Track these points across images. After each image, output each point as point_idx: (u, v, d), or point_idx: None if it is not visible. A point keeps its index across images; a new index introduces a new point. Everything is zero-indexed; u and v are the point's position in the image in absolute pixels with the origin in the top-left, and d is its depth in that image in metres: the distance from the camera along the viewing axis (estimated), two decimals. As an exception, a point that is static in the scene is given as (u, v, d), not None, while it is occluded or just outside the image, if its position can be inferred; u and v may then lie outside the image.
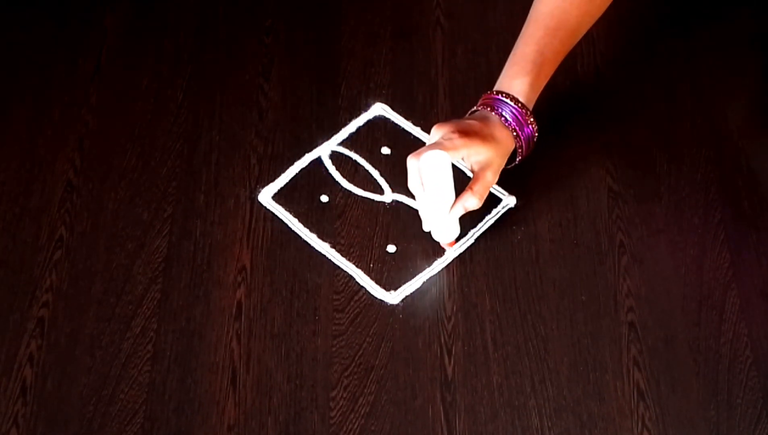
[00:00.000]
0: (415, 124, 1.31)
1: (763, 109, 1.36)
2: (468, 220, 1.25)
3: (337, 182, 1.28)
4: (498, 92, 1.20)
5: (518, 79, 1.20)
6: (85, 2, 1.43)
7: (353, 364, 1.15)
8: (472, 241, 1.23)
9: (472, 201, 1.19)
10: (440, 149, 1.16)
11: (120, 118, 1.33)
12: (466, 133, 1.17)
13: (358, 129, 1.32)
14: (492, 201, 1.26)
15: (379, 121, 1.33)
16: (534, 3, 1.23)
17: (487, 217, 1.25)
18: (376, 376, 1.14)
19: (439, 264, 1.22)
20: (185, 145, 1.31)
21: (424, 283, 1.20)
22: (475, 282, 1.21)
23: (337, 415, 1.12)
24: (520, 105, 1.19)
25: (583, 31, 1.24)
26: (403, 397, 1.13)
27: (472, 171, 1.20)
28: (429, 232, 1.22)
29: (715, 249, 1.23)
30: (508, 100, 1.19)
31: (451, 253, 1.23)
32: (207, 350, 1.15)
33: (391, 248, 1.23)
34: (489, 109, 1.20)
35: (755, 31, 1.42)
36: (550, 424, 1.11)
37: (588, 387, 1.14)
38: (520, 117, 1.19)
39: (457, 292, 1.20)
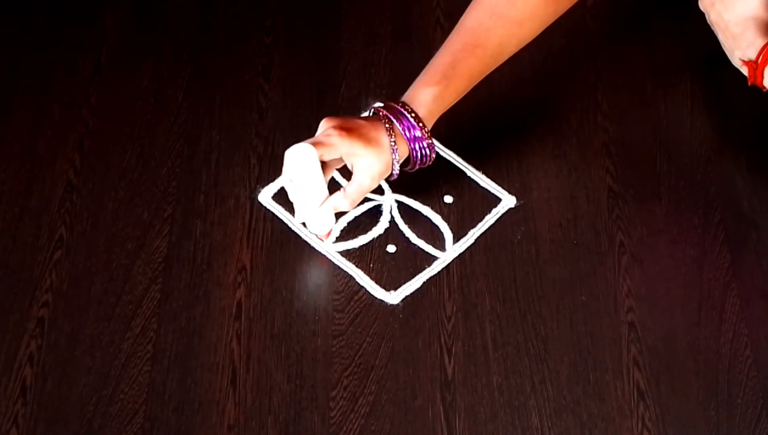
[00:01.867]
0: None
1: (763, 109, 1.36)
2: (468, 220, 1.25)
3: (337, 182, 1.28)
4: (400, 102, 1.18)
5: (425, 89, 1.18)
6: (85, 2, 1.43)
7: (353, 364, 1.15)
8: (472, 241, 1.23)
9: (342, 202, 1.19)
10: (315, 144, 1.15)
11: (120, 118, 1.33)
12: (348, 131, 1.16)
13: (358, 129, 1.32)
14: (492, 201, 1.26)
15: (379, 121, 1.33)
16: (463, 15, 1.21)
17: (487, 217, 1.25)
18: (376, 376, 1.14)
19: (439, 264, 1.22)
20: (185, 145, 1.31)
21: (424, 283, 1.20)
22: (475, 282, 1.21)
23: (337, 415, 1.12)
24: (413, 116, 1.17)
25: (507, 53, 1.21)
26: (403, 397, 1.13)
27: (351, 171, 1.18)
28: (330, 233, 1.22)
29: (715, 249, 1.23)
30: (404, 111, 1.17)
31: (328, 245, 1.22)
32: (207, 350, 1.15)
33: (391, 248, 1.23)
34: (383, 114, 1.18)
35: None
36: (550, 424, 1.11)
37: (588, 387, 1.14)
38: (411, 129, 1.17)
39: (457, 292, 1.20)
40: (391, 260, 1.22)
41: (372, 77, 1.37)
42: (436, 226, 1.25)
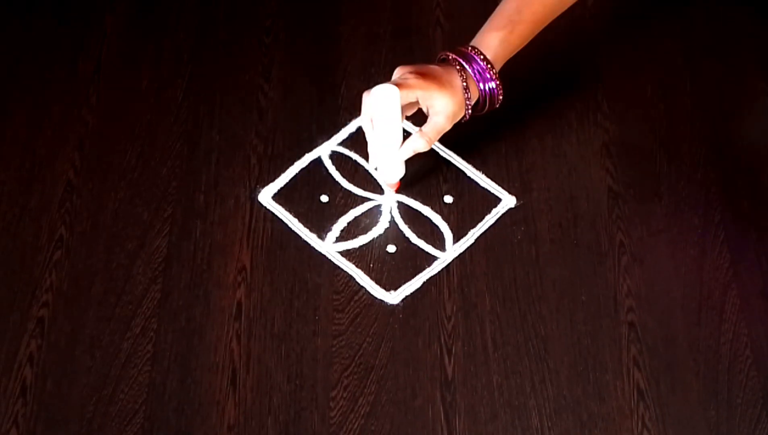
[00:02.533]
0: (415, 124, 1.31)
1: (763, 108, 1.36)
2: (468, 220, 1.25)
3: (337, 182, 1.28)
4: (469, 46, 1.21)
5: (491, 34, 1.21)
6: (85, 2, 1.43)
7: (353, 364, 1.15)
8: (472, 241, 1.24)
9: (420, 142, 1.21)
10: (393, 85, 1.18)
11: (120, 118, 1.33)
12: (423, 75, 1.19)
13: (358, 129, 1.32)
14: (492, 201, 1.26)
15: (379, 121, 1.33)
16: None
17: (487, 217, 1.25)
18: (376, 376, 1.14)
19: (439, 264, 1.22)
20: (185, 145, 1.31)
21: (424, 283, 1.21)
22: (475, 282, 1.21)
23: (337, 415, 1.12)
24: (482, 58, 1.20)
25: (571, 1, 1.24)
26: (403, 397, 1.13)
27: (427, 114, 1.22)
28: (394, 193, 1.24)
29: (715, 249, 1.23)
30: (473, 54, 1.20)
31: (389, 192, 1.25)
32: (207, 350, 1.15)
33: (391, 248, 1.23)
34: (454, 59, 1.21)
35: (755, 31, 1.42)
36: (550, 424, 1.11)
37: (588, 387, 1.14)
38: (481, 72, 1.20)
39: (457, 292, 1.20)
40: (391, 260, 1.22)
41: (372, 77, 1.37)
42: (436, 226, 1.25)
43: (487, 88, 1.21)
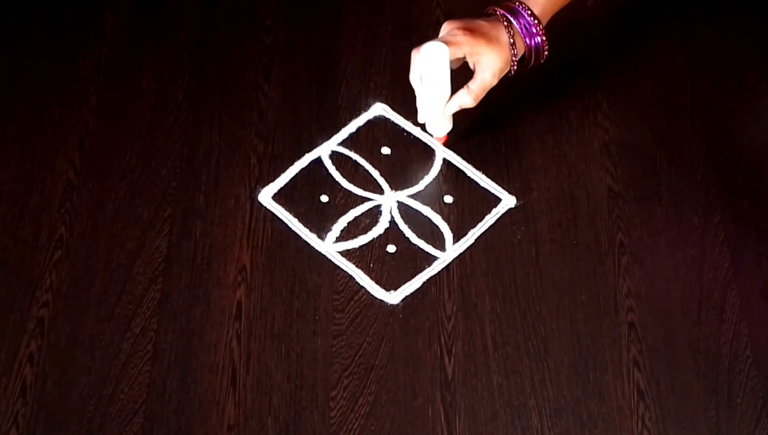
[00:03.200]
0: (415, 124, 1.31)
1: (763, 108, 1.36)
2: (468, 220, 1.25)
3: (337, 182, 1.28)
4: (516, 1, 1.22)
5: None
6: (85, 2, 1.43)
7: (353, 364, 1.15)
8: (472, 241, 1.24)
9: (467, 98, 1.23)
10: (442, 42, 1.19)
11: (120, 118, 1.33)
12: (471, 31, 1.21)
13: (358, 129, 1.32)
14: (492, 201, 1.26)
15: (379, 121, 1.33)
16: None
17: (487, 217, 1.25)
18: (376, 376, 1.14)
19: (439, 264, 1.22)
20: (185, 145, 1.31)
21: (424, 283, 1.20)
22: (475, 282, 1.21)
23: (337, 415, 1.12)
24: (529, 13, 1.21)
25: None
26: (403, 397, 1.13)
27: (473, 70, 1.23)
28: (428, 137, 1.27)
29: (715, 249, 1.23)
30: (521, 9, 1.21)
31: (439, 149, 1.28)
32: (207, 350, 1.15)
33: (391, 248, 1.23)
34: (502, 14, 1.22)
35: (755, 31, 1.42)
36: (550, 424, 1.11)
37: (588, 387, 1.14)
38: (528, 27, 1.21)
39: (457, 292, 1.20)
40: (391, 260, 1.22)
41: (372, 77, 1.37)
42: (436, 226, 1.25)
43: (533, 43, 1.22)
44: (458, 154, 1.30)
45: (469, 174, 1.29)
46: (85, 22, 1.42)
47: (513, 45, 1.21)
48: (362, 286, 1.20)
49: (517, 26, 1.21)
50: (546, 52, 1.24)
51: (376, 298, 1.19)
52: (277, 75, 1.37)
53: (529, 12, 1.21)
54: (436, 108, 1.24)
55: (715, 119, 1.34)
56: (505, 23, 1.21)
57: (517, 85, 1.27)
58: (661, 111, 1.35)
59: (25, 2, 1.43)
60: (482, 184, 1.28)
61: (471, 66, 1.23)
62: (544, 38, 1.22)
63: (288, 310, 1.18)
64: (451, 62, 1.22)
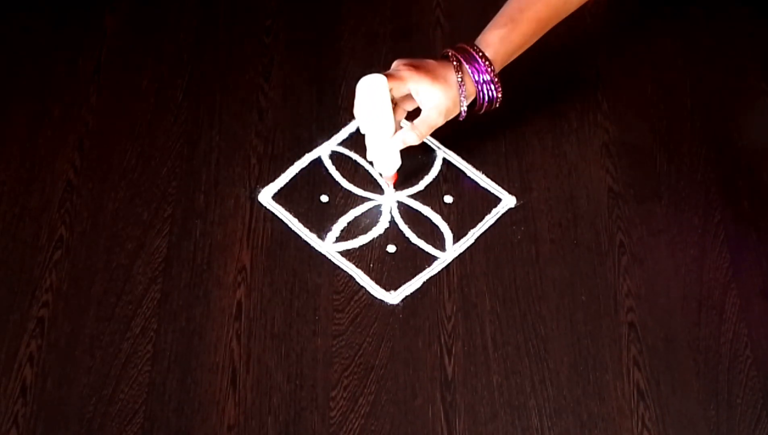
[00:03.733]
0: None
1: (763, 108, 1.36)
2: (468, 220, 1.25)
3: (337, 182, 1.28)
4: (470, 44, 1.21)
5: (492, 32, 1.21)
6: (85, 2, 1.43)
7: (353, 364, 1.15)
8: (472, 241, 1.24)
9: (410, 135, 1.21)
10: (385, 76, 1.18)
11: (120, 118, 1.33)
12: (416, 67, 1.20)
13: (358, 129, 1.32)
14: (492, 201, 1.26)
15: (379, 121, 1.33)
16: None
17: (487, 217, 1.25)
18: (376, 376, 1.14)
19: (439, 264, 1.22)
20: (185, 145, 1.31)
21: (424, 283, 1.20)
22: (475, 282, 1.21)
23: (337, 415, 1.12)
24: (481, 55, 1.20)
25: (575, 4, 1.24)
26: (403, 397, 1.13)
27: (419, 108, 1.21)
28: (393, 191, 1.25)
29: (715, 249, 1.23)
30: (472, 51, 1.20)
31: (389, 191, 1.26)
32: (207, 350, 1.15)
33: (391, 248, 1.23)
34: (452, 54, 1.21)
35: (755, 31, 1.42)
36: (550, 424, 1.11)
37: (588, 387, 1.14)
38: (479, 68, 1.20)
39: (457, 292, 1.20)
40: (391, 260, 1.22)
41: (372, 77, 1.36)
42: (436, 226, 1.25)
43: (484, 85, 1.20)
44: (458, 154, 1.30)
45: (469, 174, 1.29)
46: (85, 22, 1.42)
47: (461, 85, 1.19)
48: (362, 286, 1.20)
49: (467, 67, 1.19)
50: (500, 97, 1.22)
51: (376, 298, 1.19)
52: (277, 75, 1.37)
53: (481, 54, 1.19)
54: (380, 143, 1.22)
55: (715, 119, 1.34)
56: (455, 63, 1.19)
57: (517, 86, 1.27)
58: (661, 111, 1.35)
59: (26, 2, 1.43)
60: (482, 184, 1.28)
61: (418, 102, 1.21)
62: (496, 81, 1.20)
63: (288, 310, 1.18)
64: (402, 100, 1.21)
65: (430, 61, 1.21)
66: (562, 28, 1.27)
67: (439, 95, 1.19)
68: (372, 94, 1.18)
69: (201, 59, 1.39)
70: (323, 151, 1.30)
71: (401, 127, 1.23)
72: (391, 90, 1.19)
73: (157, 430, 1.10)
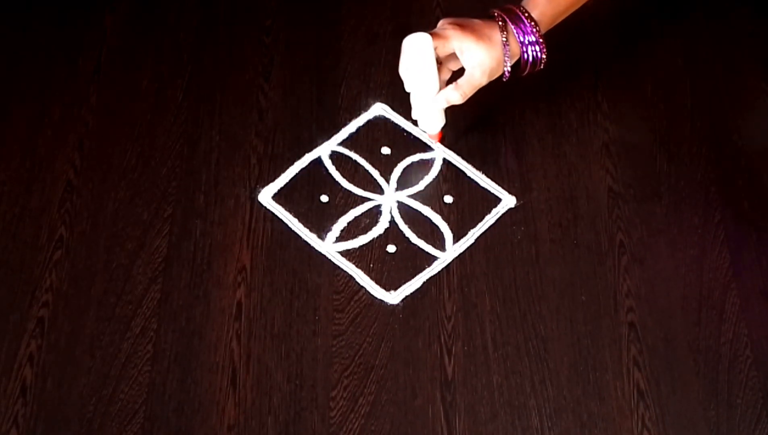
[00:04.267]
0: (415, 124, 1.31)
1: (763, 108, 1.36)
2: (468, 220, 1.25)
3: (337, 182, 1.28)
4: (515, 4, 1.21)
5: None
6: (85, 2, 1.43)
7: (353, 364, 1.15)
8: (472, 241, 1.23)
9: (454, 94, 1.22)
10: (430, 35, 1.19)
11: (120, 118, 1.33)
12: (461, 26, 1.20)
13: (358, 129, 1.32)
14: (492, 201, 1.26)
15: (379, 121, 1.33)
16: None
17: (487, 217, 1.25)
18: (376, 376, 1.14)
19: (439, 264, 1.22)
20: (185, 145, 1.31)
21: (424, 283, 1.20)
22: (475, 282, 1.21)
23: (337, 415, 1.12)
24: (527, 16, 1.20)
25: None
26: (403, 397, 1.13)
27: (464, 68, 1.22)
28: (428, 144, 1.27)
29: (715, 249, 1.23)
30: (518, 11, 1.20)
31: (436, 146, 1.28)
32: (207, 350, 1.15)
33: (391, 248, 1.23)
34: (498, 14, 1.21)
35: (755, 31, 1.42)
36: (550, 424, 1.11)
37: (588, 387, 1.14)
38: (524, 28, 1.20)
39: (457, 292, 1.20)
40: (391, 260, 1.22)
41: (372, 77, 1.37)
42: (436, 226, 1.25)
43: (529, 46, 1.21)
44: (458, 154, 1.30)
45: (469, 174, 1.29)
46: (85, 22, 1.42)
47: (506, 45, 1.20)
48: (362, 286, 1.20)
49: (513, 27, 1.20)
50: (544, 58, 1.23)
51: (376, 298, 1.19)
52: (277, 75, 1.37)
53: (527, 14, 1.20)
54: (425, 102, 1.24)
55: (715, 119, 1.34)
56: (500, 23, 1.20)
57: (517, 86, 1.27)
58: (661, 111, 1.35)
59: (26, 2, 1.43)
60: (482, 184, 1.28)
61: (462, 62, 1.22)
62: (541, 42, 1.21)
63: (288, 310, 1.18)
64: (447, 59, 1.22)
65: (476, 21, 1.21)
66: (562, 28, 1.27)
67: (482, 54, 1.19)
68: (417, 52, 1.20)
69: (201, 59, 1.39)
70: (323, 151, 1.30)
71: (445, 86, 1.24)
72: (435, 49, 1.20)
73: (157, 430, 1.10)
